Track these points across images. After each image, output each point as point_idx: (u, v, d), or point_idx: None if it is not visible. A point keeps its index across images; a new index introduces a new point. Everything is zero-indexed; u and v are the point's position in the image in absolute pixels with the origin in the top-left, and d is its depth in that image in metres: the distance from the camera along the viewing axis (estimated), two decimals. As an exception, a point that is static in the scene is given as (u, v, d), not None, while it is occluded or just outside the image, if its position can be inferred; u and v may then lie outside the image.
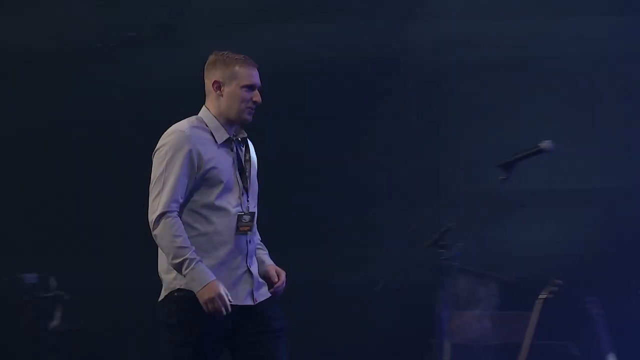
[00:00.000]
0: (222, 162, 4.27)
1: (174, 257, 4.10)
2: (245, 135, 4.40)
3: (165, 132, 4.28)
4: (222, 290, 4.10)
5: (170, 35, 8.17)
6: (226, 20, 8.08)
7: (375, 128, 8.04)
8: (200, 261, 4.10)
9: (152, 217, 4.14)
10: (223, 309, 4.08)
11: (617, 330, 7.55)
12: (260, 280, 4.33)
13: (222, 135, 4.29)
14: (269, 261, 4.41)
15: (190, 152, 4.18)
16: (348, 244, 8.07)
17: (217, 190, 4.23)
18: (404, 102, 8.24)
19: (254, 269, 4.31)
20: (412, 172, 8.58)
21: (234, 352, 4.29)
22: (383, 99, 8.14)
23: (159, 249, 4.23)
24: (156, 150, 4.26)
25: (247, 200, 4.30)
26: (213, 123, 4.30)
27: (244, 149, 4.39)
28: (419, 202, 8.61)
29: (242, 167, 4.33)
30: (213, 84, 4.31)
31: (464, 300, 7.16)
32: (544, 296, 5.93)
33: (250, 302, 4.28)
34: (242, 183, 4.31)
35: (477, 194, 5.19)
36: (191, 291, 4.12)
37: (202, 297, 4.08)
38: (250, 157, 4.39)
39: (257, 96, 4.31)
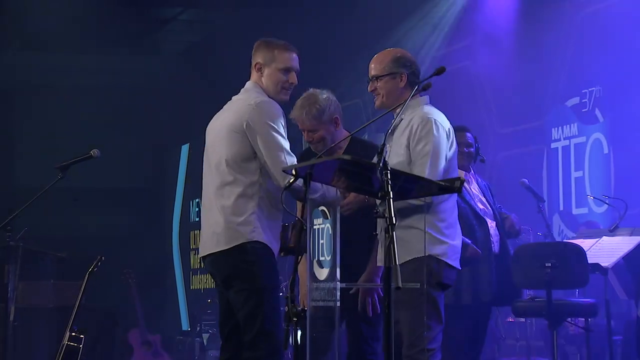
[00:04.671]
0: None
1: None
2: None
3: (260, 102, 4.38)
4: None
5: None
6: None
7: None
8: None
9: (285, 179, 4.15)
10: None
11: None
12: None
13: None
14: None
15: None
16: None
17: None
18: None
19: None
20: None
21: None
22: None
23: (228, 204, 4.29)
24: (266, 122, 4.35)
25: None
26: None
27: None
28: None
29: None
30: (255, 65, 4.51)
31: (29, 272, 7.76)
32: (91, 269, 6.39)
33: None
34: None
35: (41, 188, 5.45)
36: (264, 243, 4.30)
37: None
38: None
39: (293, 78, 4.48)
